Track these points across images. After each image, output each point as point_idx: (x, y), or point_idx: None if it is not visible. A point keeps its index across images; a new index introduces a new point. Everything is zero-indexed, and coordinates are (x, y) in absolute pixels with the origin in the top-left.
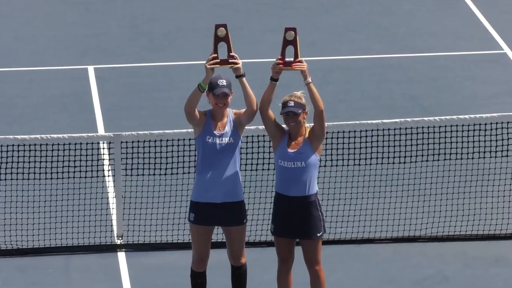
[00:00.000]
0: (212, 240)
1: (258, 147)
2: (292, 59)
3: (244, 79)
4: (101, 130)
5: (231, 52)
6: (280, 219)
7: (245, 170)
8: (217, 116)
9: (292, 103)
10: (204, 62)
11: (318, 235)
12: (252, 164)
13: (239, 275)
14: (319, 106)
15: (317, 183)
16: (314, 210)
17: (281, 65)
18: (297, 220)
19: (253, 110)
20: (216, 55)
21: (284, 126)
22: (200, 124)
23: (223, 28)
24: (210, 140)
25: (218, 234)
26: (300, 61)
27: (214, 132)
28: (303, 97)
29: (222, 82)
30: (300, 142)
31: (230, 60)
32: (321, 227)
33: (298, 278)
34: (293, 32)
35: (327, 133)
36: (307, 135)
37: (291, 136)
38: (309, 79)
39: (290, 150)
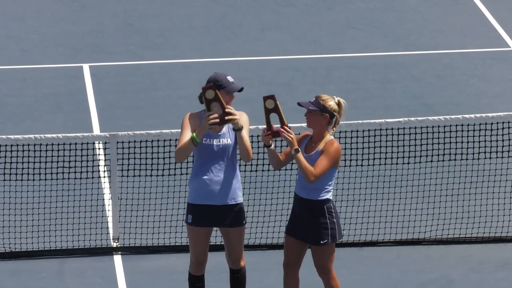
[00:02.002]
0: (211, 243)
1: (258, 147)
2: (278, 125)
3: (242, 131)
4: (96, 130)
5: (226, 109)
6: (292, 218)
7: (245, 171)
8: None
9: (312, 99)
10: (199, 60)
11: (322, 242)
12: (252, 165)
13: (238, 278)
14: (307, 179)
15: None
16: (321, 217)
17: (270, 137)
18: (304, 223)
19: (247, 161)
20: (214, 114)
21: (306, 130)
22: (194, 129)
23: (211, 90)
24: (207, 142)
25: (216, 237)
26: (287, 130)
27: (211, 133)
28: (332, 100)
29: (231, 78)
30: (315, 148)
31: (227, 118)
32: (326, 235)
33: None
34: (272, 100)
35: None
36: (322, 145)
37: (313, 136)
38: (293, 151)
39: (305, 154)
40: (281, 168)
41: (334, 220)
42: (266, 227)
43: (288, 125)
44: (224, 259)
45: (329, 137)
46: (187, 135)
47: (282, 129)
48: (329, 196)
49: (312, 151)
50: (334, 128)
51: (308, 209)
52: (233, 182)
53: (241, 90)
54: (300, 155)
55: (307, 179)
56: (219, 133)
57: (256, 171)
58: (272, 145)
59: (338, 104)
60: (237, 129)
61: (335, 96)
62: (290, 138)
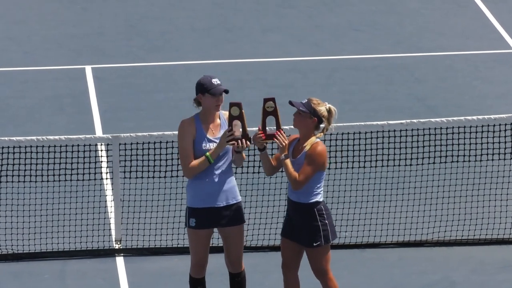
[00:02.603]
0: (213, 245)
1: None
2: (274, 128)
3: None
4: (99, 132)
5: (247, 133)
6: (286, 220)
7: (247, 172)
8: (209, 118)
9: (303, 101)
10: (200, 61)
11: (315, 245)
12: (254, 166)
13: (238, 282)
14: (293, 187)
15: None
16: (312, 220)
17: (263, 138)
18: (297, 225)
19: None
20: (233, 131)
21: (293, 135)
22: (193, 136)
23: (237, 108)
24: (206, 147)
25: (218, 238)
26: (283, 135)
27: (208, 137)
28: (323, 106)
29: (217, 80)
30: (301, 151)
31: (245, 145)
32: (319, 237)
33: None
34: (272, 102)
35: (330, 134)
36: (309, 147)
37: (300, 139)
38: (283, 156)
39: (292, 158)
40: (273, 173)
41: (326, 221)
42: (268, 228)
43: (283, 130)
44: (225, 261)
45: (314, 139)
46: (189, 146)
47: (278, 133)
48: (318, 198)
49: (299, 154)
50: (321, 133)
51: (299, 212)
52: (232, 181)
53: (226, 92)
54: (288, 162)
55: (292, 186)
56: (217, 136)
57: (258, 172)
58: (266, 149)
59: (329, 111)
60: (238, 152)
61: (327, 103)
62: (283, 144)
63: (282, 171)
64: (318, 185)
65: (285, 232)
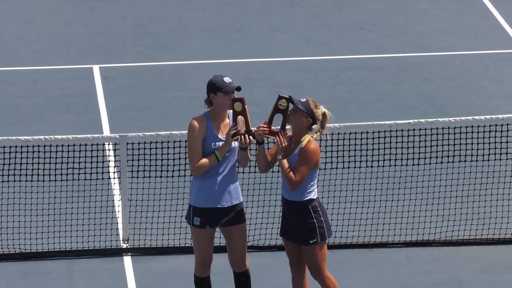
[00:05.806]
0: (220, 244)
1: (268, 148)
2: (278, 127)
3: (247, 150)
4: (106, 131)
5: (250, 128)
6: (282, 219)
7: (255, 172)
8: (220, 117)
9: (302, 99)
10: (209, 61)
11: (311, 242)
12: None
13: (243, 281)
14: (289, 188)
15: (328, 185)
16: (307, 217)
17: (266, 131)
18: (292, 224)
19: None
20: (237, 126)
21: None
22: (204, 134)
23: (240, 104)
24: (215, 146)
25: (221, 237)
26: (285, 136)
27: (219, 136)
28: (319, 109)
29: (228, 79)
30: (294, 149)
31: (247, 141)
32: (315, 235)
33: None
34: (285, 101)
35: (338, 134)
36: (304, 144)
37: (292, 137)
38: (280, 156)
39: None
40: (267, 171)
41: (321, 218)
42: (276, 228)
43: (286, 131)
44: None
45: (307, 138)
46: (198, 144)
47: (281, 133)
48: (312, 196)
49: (292, 152)
50: (317, 134)
51: (294, 210)
52: (236, 182)
53: (238, 89)
54: (285, 162)
55: (289, 187)
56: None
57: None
58: (263, 144)
59: (323, 115)
60: (244, 148)
61: (322, 106)
62: (284, 145)
63: (278, 171)
64: (312, 183)
65: (282, 232)
